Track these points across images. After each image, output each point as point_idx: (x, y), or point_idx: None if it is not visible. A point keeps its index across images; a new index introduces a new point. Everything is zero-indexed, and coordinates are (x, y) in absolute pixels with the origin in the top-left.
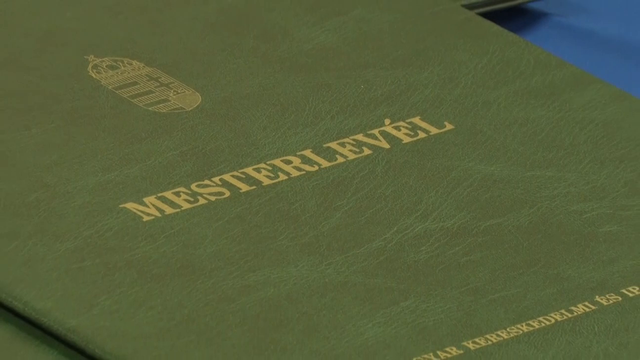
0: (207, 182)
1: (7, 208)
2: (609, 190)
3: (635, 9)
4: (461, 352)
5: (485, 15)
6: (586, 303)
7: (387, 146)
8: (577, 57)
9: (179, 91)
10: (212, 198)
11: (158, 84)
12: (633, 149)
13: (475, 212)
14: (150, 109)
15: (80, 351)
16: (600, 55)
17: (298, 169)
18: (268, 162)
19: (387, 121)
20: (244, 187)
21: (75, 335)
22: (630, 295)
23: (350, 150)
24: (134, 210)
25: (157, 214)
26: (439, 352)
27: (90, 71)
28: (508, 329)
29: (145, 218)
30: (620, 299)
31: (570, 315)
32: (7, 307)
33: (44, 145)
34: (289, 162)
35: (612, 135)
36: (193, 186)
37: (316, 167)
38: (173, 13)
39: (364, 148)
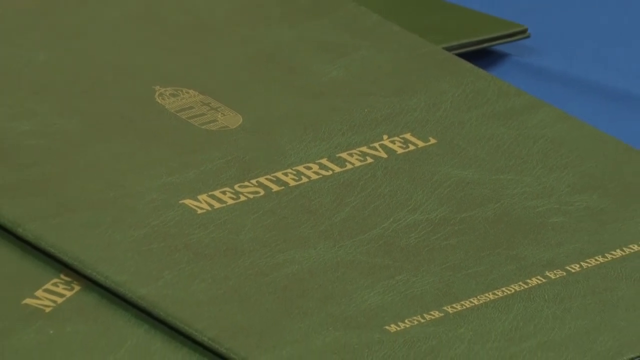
0: (246, 183)
1: (92, 203)
2: (556, 190)
3: (574, 51)
4: (442, 315)
5: (460, 55)
6: (538, 277)
7: (385, 156)
8: (530, 87)
9: (225, 113)
10: (250, 196)
11: (209, 107)
12: (574, 158)
13: (453, 207)
14: (202, 127)
15: (148, 314)
16: (547, 85)
17: (317, 173)
18: (293, 168)
19: (385, 137)
20: (275, 187)
21: (145, 301)
22: (572, 271)
23: (357, 159)
24: (190, 205)
25: (208, 208)
26: (425, 315)
27: (157, 98)
28: (478, 297)
29: (199, 211)
30: (564, 274)
31: (526, 287)
32: (93, 280)
33: (120, 155)
34: (309, 168)
35: (558, 148)
36: (236, 187)
37: (330, 172)
38: (220, 52)
39: (367, 157)
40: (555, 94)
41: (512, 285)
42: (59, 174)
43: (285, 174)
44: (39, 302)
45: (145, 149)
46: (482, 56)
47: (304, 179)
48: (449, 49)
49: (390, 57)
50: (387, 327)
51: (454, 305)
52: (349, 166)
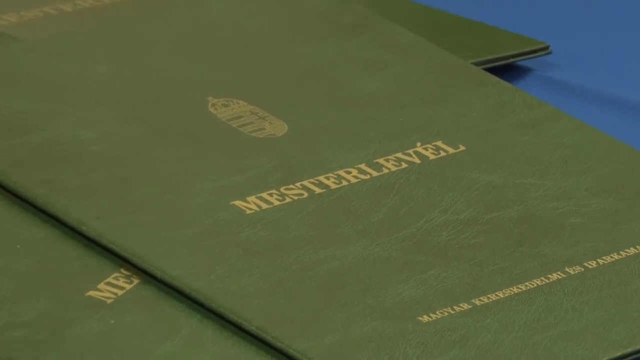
0: (291, 186)
1: (150, 204)
2: (575, 193)
3: (591, 66)
4: (470, 306)
5: (488, 70)
6: (558, 272)
7: (418, 161)
8: (551, 99)
9: (272, 122)
10: (295, 197)
11: (257, 117)
12: (591, 164)
13: (480, 208)
14: (251, 135)
15: (201, 305)
16: (567, 97)
17: (356, 177)
18: (334, 172)
19: (418, 144)
20: (317, 190)
21: (198, 294)
22: (589, 267)
23: (392, 164)
24: (240, 206)
25: (256, 208)
26: (454, 307)
27: (210, 108)
28: (503, 291)
29: (248, 212)
30: (582, 269)
31: (547, 281)
32: (150, 274)
33: (176, 160)
34: (349, 172)
35: (576, 155)
36: (281, 189)
37: (368, 176)
38: (268, 67)
39: (402, 163)
40: (574, 105)
41: (535, 280)
42: (120, 178)
43: (327, 178)
44: (101, 294)
45: (199, 154)
46: (507, 70)
47: (344, 183)
48: (477, 64)
49: (423, 72)
50: (419, 318)
51: (481, 298)
52: (385, 171)
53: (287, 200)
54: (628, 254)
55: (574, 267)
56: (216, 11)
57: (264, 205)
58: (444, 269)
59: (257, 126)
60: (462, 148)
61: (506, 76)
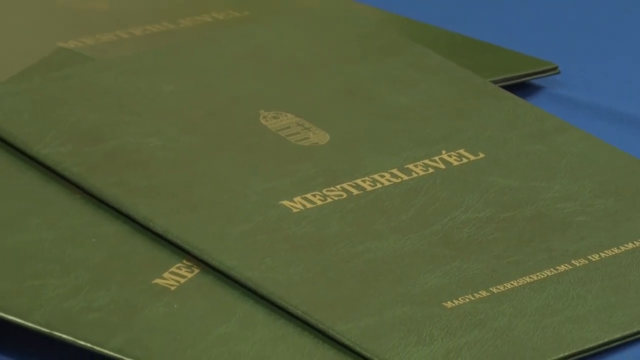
0: (332, 188)
1: (209, 203)
2: (580, 195)
3: (596, 84)
4: (488, 294)
5: (504, 87)
6: (565, 264)
7: (443, 167)
8: (560, 113)
9: (316, 132)
10: (335, 198)
11: (303, 127)
12: (595, 169)
13: (497, 208)
14: (298, 143)
15: (253, 292)
16: (573, 111)
17: (389, 180)
18: (370, 176)
19: (443, 151)
20: (355, 192)
21: (250, 282)
22: (593, 260)
23: (421, 169)
24: (287, 205)
25: (302, 207)
26: (475, 294)
27: (261, 120)
28: (517, 280)
29: (294, 210)
30: (587, 262)
31: (555, 272)
32: (209, 265)
33: (231, 165)
34: (383, 176)
35: (581, 161)
36: (323, 190)
37: (400, 180)
38: (313, 84)
39: (429, 168)
40: (579, 118)
41: (545, 271)
42: (182, 180)
43: (364, 181)
44: (166, 282)
45: (251, 160)
46: (521, 88)
47: (379, 185)
48: (494, 82)
49: (448, 89)
50: (444, 304)
51: (498, 286)
52: (415, 175)
53: (329, 200)
54: (627, 248)
55: (579, 260)
56: (266, 36)
57: (308, 205)
58: (465, 261)
59: (302, 136)
60: (481, 155)
61: (520, 93)
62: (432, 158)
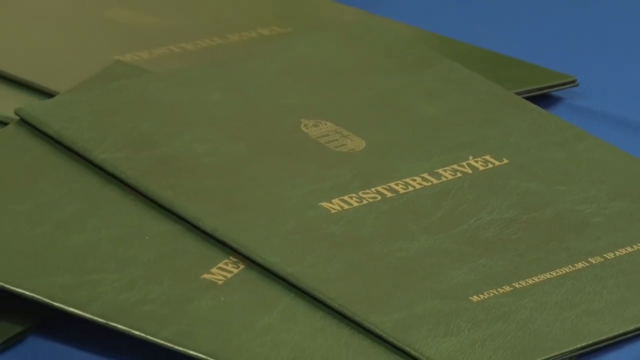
0: (367, 191)
1: (253, 205)
2: (597, 198)
3: (612, 96)
4: (511, 289)
5: (527, 98)
6: (583, 262)
7: (470, 172)
8: (578, 122)
9: (353, 139)
10: (370, 200)
11: (340, 135)
12: (610, 174)
13: (520, 210)
14: (336, 149)
15: (294, 287)
16: (591, 121)
17: (420, 184)
18: (402, 180)
19: (470, 157)
20: (388, 194)
21: (292, 277)
22: (608, 258)
23: (449, 174)
24: (326, 207)
25: (339, 209)
26: (499, 289)
27: (302, 128)
28: (538, 276)
29: (332, 211)
30: (602, 260)
31: (573, 269)
32: (253, 261)
33: (274, 169)
34: (414, 180)
35: (598, 167)
36: (359, 193)
37: (430, 183)
38: (350, 94)
39: (457, 172)
40: (596, 127)
41: (563, 268)
42: (228, 183)
43: (397, 184)
44: (213, 276)
45: (293, 165)
46: (542, 99)
47: (410, 188)
48: (518, 94)
49: (475, 99)
50: (470, 298)
51: (520, 282)
52: (444, 179)
53: (364, 202)
54: (638, 247)
55: (595, 258)
56: (307, 50)
57: (345, 206)
58: (490, 259)
59: (340, 143)
60: (505, 161)
61: (541, 104)
62: (460, 163)
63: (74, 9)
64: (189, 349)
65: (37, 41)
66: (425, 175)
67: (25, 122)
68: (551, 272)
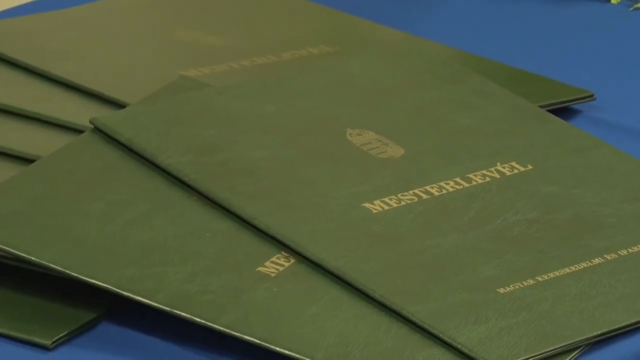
0: (405, 193)
1: (303, 205)
2: (611, 200)
3: (626, 109)
4: (535, 282)
5: (549, 110)
6: (599, 258)
7: (498, 177)
8: (595, 132)
9: (392, 147)
10: (408, 201)
11: (381, 143)
12: (624, 179)
13: (542, 211)
14: (377, 156)
15: (339, 279)
16: (607, 131)
17: (452, 187)
18: (437, 184)
19: (498, 163)
20: (424, 196)
21: (338, 271)
22: (622, 254)
23: (479, 178)
24: (368, 207)
25: (380, 209)
26: (523, 282)
27: (347, 137)
28: (559, 271)
29: (374, 211)
30: (617, 256)
31: (590, 264)
32: (303, 256)
33: (323, 174)
34: (447, 184)
35: (613, 172)
36: (398, 195)
37: (462, 186)
38: (390, 106)
39: (486, 177)
40: (611, 137)
41: (581, 264)
42: (281, 186)
43: (431, 187)
44: (267, 269)
45: (339, 169)
46: (563, 111)
47: (444, 191)
48: (541, 107)
49: (502, 111)
50: (498, 290)
51: (542, 276)
52: (474, 183)
53: (402, 203)
54: None
55: (610, 255)
56: (352, 67)
57: (386, 207)
58: (515, 255)
59: (381, 150)
60: (529, 167)
61: (562, 116)
62: (489, 169)
63: (146, 30)
64: (245, 335)
65: (111, 58)
66: (457, 179)
67: (99, 130)
68: (570, 267)
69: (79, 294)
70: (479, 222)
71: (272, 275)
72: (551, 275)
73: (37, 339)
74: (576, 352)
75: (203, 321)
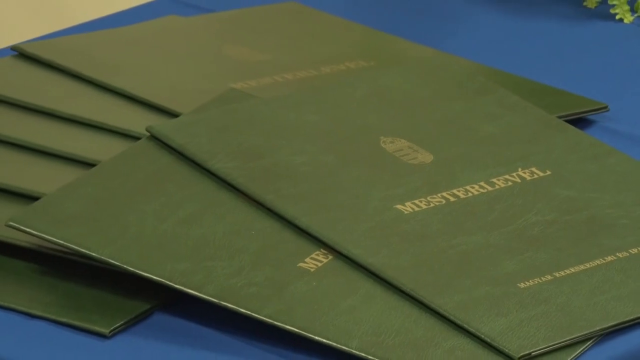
0: (434, 196)
1: (340, 206)
2: (623, 203)
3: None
4: (552, 278)
5: (567, 121)
6: (611, 256)
7: (519, 181)
8: (609, 141)
9: (422, 153)
10: (437, 203)
11: (412, 150)
12: (635, 184)
13: (560, 213)
14: (408, 162)
15: (373, 274)
16: (619, 140)
17: (477, 190)
18: (463, 187)
19: (519, 169)
20: (451, 199)
21: (372, 266)
22: (633, 252)
23: (502, 182)
24: (400, 209)
25: (411, 210)
26: (542, 277)
27: (381, 144)
28: (575, 267)
29: (405, 212)
30: (628, 254)
31: (604, 262)
32: (340, 252)
33: (358, 177)
34: (473, 187)
35: (625, 178)
36: (428, 197)
37: (486, 190)
38: (420, 117)
39: (509, 181)
40: (624, 145)
41: (595, 261)
42: (320, 189)
43: (458, 191)
44: (307, 265)
45: (373, 174)
46: (579, 122)
47: (470, 194)
48: (559, 117)
49: (524, 121)
50: (518, 285)
51: (559, 272)
52: (497, 187)
53: (432, 205)
54: None
55: (622, 253)
56: (386, 80)
57: (416, 208)
58: (535, 252)
59: (412, 156)
60: (548, 172)
61: (579, 125)
62: (511, 174)
63: (197, 47)
64: (287, 325)
65: (166, 72)
66: (482, 183)
67: (154, 138)
68: (585, 264)
69: (134, 286)
70: (501, 222)
71: (312, 270)
72: (567, 271)
73: (96, 328)
74: (590, 342)
75: (248, 312)
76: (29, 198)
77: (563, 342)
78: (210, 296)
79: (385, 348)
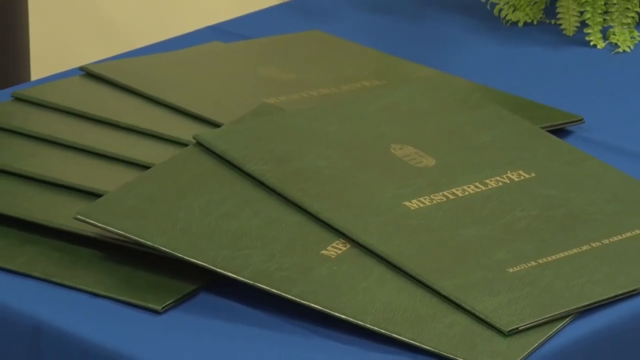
0: (437, 194)
1: (355, 204)
2: (596, 202)
3: (611, 129)
4: (537, 263)
5: (549, 131)
6: (587, 245)
7: (508, 182)
8: (585, 148)
9: (426, 158)
10: (439, 201)
11: (418, 155)
12: (608, 185)
13: (544, 208)
14: (414, 165)
15: (385, 260)
16: (594, 147)
17: (473, 190)
18: (461, 187)
19: (508, 172)
20: (451, 197)
21: (384, 254)
22: (605, 243)
23: (494, 183)
24: (407, 205)
25: (417, 207)
26: (527, 263)
27: (392, 150)
28: (556, 255)
29: (412, 208)
30: (600, 244)
31: (580, 250)
32: (356, 242)
33: (372, 179)
34: (469, 187)
35: (599, 181)
36: (431, 196)
37: (480, 189)
38: (425, 127)
39: (499, 182)
40: (597, 152)
41: (573, 250)
42: (340, 188)
43: (457, 190)
44: (328, 252)
45: (384, 176)
46: (559, 131)
47: (467, 193)
48: (543, 128)
49: (513, 131)
50: (508, 269)
51: (543, 258)
52: (490, 186)
53: (435, 202)
54: (628, 235)
55: (595, 243)
56: (397, 96)
57: (421, 205)
58: (522, 242)
59: (418, 161)
60: (533, 175)
61: (559, 135)
62: (502, 176)
63: (236, 68)
64: (312, 303)
65: (210, 88)
66: (477, 183)
67: (199, 144)
68: (564, 252)
69: (183, 270)
70: (493, 217)
71: (333, 257)
72: (549, 258)
73: (150, 305)
74: (569, 318)
75: (278, 292)
76: (94, 195)
77: (546, 318)
78: (247, 279)
79: (395, 323)
